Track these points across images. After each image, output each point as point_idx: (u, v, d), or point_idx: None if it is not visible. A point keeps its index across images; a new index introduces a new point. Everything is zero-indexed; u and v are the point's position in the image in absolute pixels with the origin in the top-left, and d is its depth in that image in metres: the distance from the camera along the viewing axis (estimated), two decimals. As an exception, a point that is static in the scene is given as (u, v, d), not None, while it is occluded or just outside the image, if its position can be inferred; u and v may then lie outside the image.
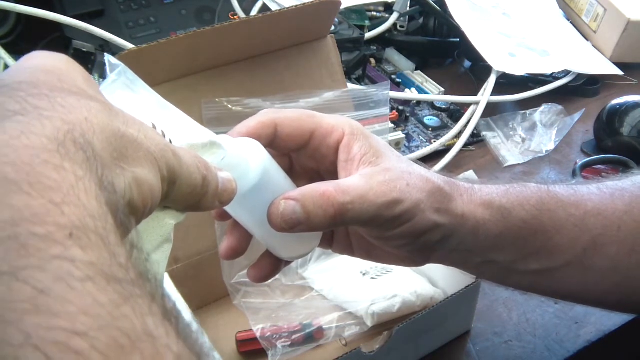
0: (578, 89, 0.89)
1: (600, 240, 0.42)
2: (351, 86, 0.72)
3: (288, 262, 0.42)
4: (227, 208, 0.36)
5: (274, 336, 0.52)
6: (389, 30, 0.90)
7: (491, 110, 0.82)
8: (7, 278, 0.17)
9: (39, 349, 0.17)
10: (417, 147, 0.77)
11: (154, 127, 0.29)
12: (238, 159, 0.33)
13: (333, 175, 0.40)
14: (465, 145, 0.77)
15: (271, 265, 0.40)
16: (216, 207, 0.30)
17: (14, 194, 0.19)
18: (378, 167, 0.38)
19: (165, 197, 0.26)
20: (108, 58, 0.30)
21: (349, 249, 0.44)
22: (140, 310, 0.19)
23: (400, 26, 0.92)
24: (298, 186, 0.38)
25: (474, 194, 0.41)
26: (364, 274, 0.57)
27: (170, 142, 0.30)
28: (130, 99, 0.29)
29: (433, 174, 0.40)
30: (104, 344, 0.17)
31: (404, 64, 0.89)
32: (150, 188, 0.24)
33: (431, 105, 0.83)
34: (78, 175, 0.20)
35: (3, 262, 0.18)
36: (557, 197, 0.42)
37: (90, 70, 0.70)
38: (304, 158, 0.41)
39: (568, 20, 1.01)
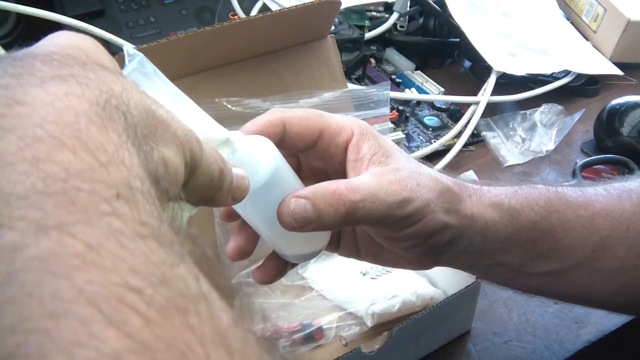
0: (578, 89, 0.89)
1: (608, 242, 0.42)
2: (351, 86, 0.72)
3: (294, 265, 0.41)
4: (236, 206, 0.36)
5: (274, 336, 0.52)
6: (389, 30, 0.90)
7: (491, 110, 0.82)
8: (55, 232, 0.17)
9: (92, 304, 0.16)
10: (417, 147, 0.77)
11: None
12: (249, 155, 0.33)
13: (341, 175, 0.40)
14: (465, 145, 0.77)
15: (277, 268, 0.40)
16: (228, 203, 0.30)
17: (59, 151, 0.18)
18: (388, 166, 0.38)
19: (184, 186, 0.26)
20: (127, 48, 0.30)
21: (356, 252, 0.44)
22: (194, 273, 0.19)
23: (400, 26, 0.92)
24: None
25: (483, 195, 0.41)
26: (364, 274, 0.57)
27: None
28: (147, 90, 0.29)
29: (442, 175, 0.40)
30: (159, 302, 0.17)
31: (404, 64, 0.89)
32: (175, 171, 0.24)
33: (431, 105, 0.83)
34: (122, 139, 0.20)
35: (51, 216, 0.17)
36: (565, 198, 0.42)
37: (90, 70, 0.70)
38: (312, 158, 0.41)
39: (568, 20, 1.01)
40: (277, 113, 0.38)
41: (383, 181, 0.37)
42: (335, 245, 0.44)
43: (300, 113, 0.38)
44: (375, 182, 0.37)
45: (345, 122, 0.39)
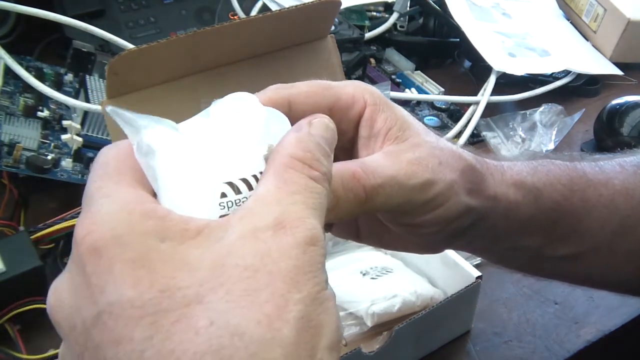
0: (578, 89, 0.89)
1: (628, 222, 0.40)
2: (351, 86, 0.72)
3: None
4: None
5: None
6: (389, 30, 0.90)
7: (491, 110, 0.82)
8: None
9: None
10: (417, 147, 0.77)
11: (252, 179, 0.25)
12: None
13: (347, 153, 0.35)
14: (465, 145, 0.77)
15: None
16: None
17: None
18: (405, 142, 0.34)
19: None
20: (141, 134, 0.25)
21: (355, 234, 0.39)
22: None
23: (400, 26, 0.92)
24: None
25: (504, 172, 0.37)
26: (364, 274, 0.57)
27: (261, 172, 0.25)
28: (180, 146, 0.25)
29: (463, 151, 0.37)
30: None
31: (404, 64, 0.89)
32: (340, 324, 0.24)
33: (431, 105, 0.83)
34: None
35: None
36: (586, 176, 0.40)
37: (90, 71, 0.70)
38: None
39: (568, 20, 1.01)
40: (280, 91, 0.33)
41: (402, 161, 0.33)
42: (328, 224, 0.38)
43: (307, 88, 0.34)
44: (393, 163, 0.33)
45: (356, 92, 0.34)
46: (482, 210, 0.36)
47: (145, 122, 0.24)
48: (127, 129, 0.25)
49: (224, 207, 0.24)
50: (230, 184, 0.24)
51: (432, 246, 0.39)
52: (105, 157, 0.25)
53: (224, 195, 0.24)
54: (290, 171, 0.25)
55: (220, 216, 0.24)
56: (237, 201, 0.24)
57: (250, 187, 0.25)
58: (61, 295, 0.23)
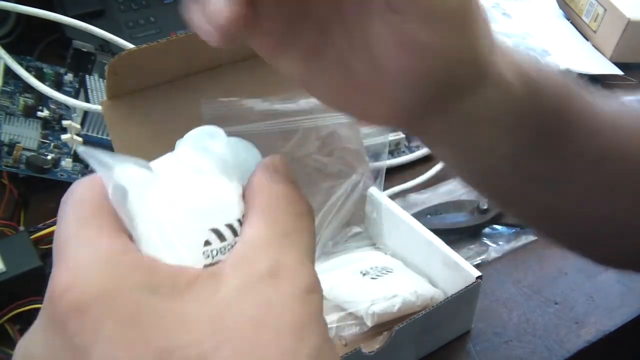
0: (578, 89, 0.89)
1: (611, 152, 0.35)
2: (351, 86, 0.72)
3: None
4: None
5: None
6: (389, 30, 0.90)
7: (491, 110, 0.82)
8: None
9: None
10: (418, 147, 0.76)
11: (237, 224, 0.23)
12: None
13: None
14: (465, 145, 0.77)
15: None
16: None
17: None
18: None
19: None
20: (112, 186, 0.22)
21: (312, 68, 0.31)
22: None
23: (400, 26, 0.92)
24: None
25: (508, 51, 0.30)
26: (364, 274, 0.57)
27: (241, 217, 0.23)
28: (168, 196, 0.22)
29: None
30: None
31: (404, 64, 0.89)
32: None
33: (431, 105, 0.83)
34: None
35: None
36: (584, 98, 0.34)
37: (90, 71, 0.70)
38: None
39: (568, 20, 1.01)
40: None
41: None
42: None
43: None
44: None
45: None
46: (477, 74, 0.29)
47: (118, 161, 0.22)
48: (101, 170, 0.22)
49: (208, 256, 0.22)
50: (215, 231, 0.23)
51: (400, 110, 0.30)
52: (80, 196, 0.22)
53: (207, 243, 0.22)
54: (277, 210, 0.23)
55: (205, 266, 0.22)
56: (222, 249, 0.22)
57: (235, 233, 0.23)
58: (32, 357, 0.21)
